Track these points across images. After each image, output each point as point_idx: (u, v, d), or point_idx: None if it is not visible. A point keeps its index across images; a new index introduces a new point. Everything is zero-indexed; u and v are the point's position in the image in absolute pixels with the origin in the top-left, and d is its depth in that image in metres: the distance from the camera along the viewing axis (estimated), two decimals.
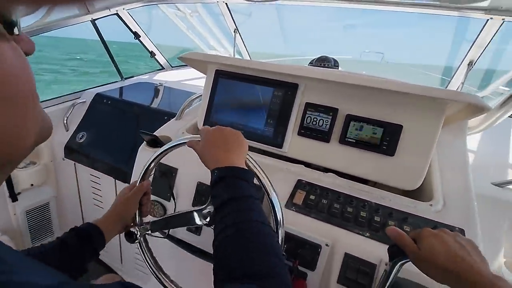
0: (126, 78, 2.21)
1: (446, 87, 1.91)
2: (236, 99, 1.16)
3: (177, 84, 2.20)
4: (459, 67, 1.71)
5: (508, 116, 1.72)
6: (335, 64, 1.62)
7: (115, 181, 1.60)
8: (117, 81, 2.14)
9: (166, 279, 0.81)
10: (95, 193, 1.73)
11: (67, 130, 1.75)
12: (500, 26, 1.37)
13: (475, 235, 0.77)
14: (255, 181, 0.66)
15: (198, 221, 0.76)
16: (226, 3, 1.90)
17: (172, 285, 0.79)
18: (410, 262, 0.57)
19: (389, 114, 0.94)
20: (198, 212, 0.77)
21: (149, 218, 0.86)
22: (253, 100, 1.12)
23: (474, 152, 1.31)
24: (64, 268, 0.66)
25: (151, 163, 0.82)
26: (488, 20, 1.37)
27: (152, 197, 1.06)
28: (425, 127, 0.91)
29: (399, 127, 0.93)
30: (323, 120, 1.02)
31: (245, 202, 0.56)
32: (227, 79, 1.17)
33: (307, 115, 1.04)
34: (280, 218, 0.65)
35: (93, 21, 1.78)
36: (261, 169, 0.69)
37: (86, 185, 1.77)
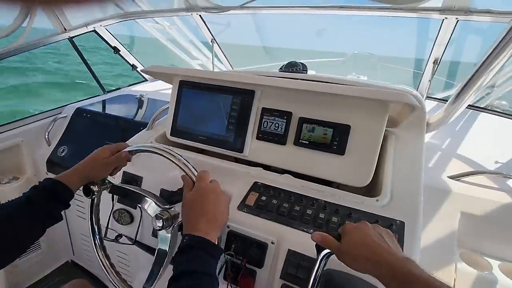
0: (108, 92, 2.27)
1: (419, 85, 1.96)
2: (199, 107, 1.20)
3: (158, 95, 2.26)
4: (426, 66, 1.76)
5: (467, 107, 1.77)
6: (303, 68, 1.67)
7: None
8: (99, 95, 2.20)
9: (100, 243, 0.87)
10: (79, 205, 1.77)
11: (49, 145, 1.81)
12: (456, 25, 1.42)
13: (415, 227, 0.81)
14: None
15: (150, 211, 0.81)
16: (200, 15, 1.96)
17: (101, 252, 0.86)
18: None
19: (337, 115, 0.99)
20: (157, 205, 0.82)
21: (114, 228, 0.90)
22: (214, 108, 1.17)
23: (433, 146, 1.35)
24: (34, 221, 0.70)
25: (147, 148, 0.87)
26: (443, 20, 1.42)
27: (118, 205, 1.11)
28: (371, 126, 0.95)
29: (347, 127, 0.97)
30: (278, 124, 1.07)
31: (202, 278, 0.60)
32: (190, 89, 1.22)
33: (263, 120, 1.09)
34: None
35: (70, 39, 1.85)
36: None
37: None
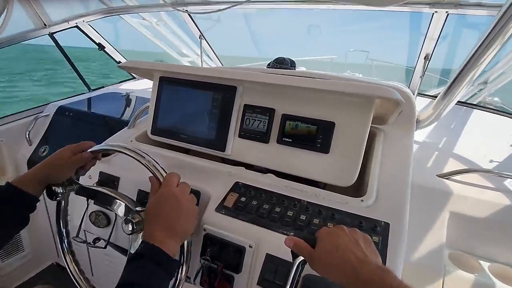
0: (94, 89, 2.21)
1: (410, 81, 1.92)
2: (180, 104, 1.16)
3: (148, 93, 2.20)
4: (417, 61, 1.72)
5: (457, 103, 1.74)
6: (291, 64, 1.63)
7: None
8: (84, 93, 2.14)
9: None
10: None
11: (30, 145, 1.75)
12: (446, 19, 1.38)
13: (400, 228, 0.77)
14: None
15: (122, 214, 0.76)
16: (186, 10, 1.91)
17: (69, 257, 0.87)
18: None
19: (322, 112, 0.95)
20: (128, 207, 0.77)
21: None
22: (195, 105, 1.12)
23: (426, 145, 1.32)
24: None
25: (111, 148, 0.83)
26: (433, 13, 1.38)
27: (95, 207, 1.06)
28: (356, 123, 0.91)
29: (332, 124, 0.93)
30: (261, 121, 1.02)
31: None
32: (171, 86, 1.17)
33: (246, 117, 1.04)
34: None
35: (51, 35, 1.78)
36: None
37: None
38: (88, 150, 0.83)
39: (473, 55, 0.89)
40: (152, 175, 0.72)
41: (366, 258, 0.51)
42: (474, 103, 1.87)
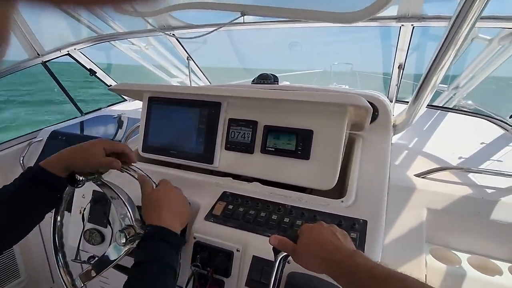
0: (86, 113, 2.27)
1: (389, 89, 2.03)
2: (168, 122, 1.22)
3: (137, 113, 2.26)
4: (392, 71, 1.83)
5: (433, 108, 1.84)
6: (274, 80, 1.72)
7: None
8: (76, 117, 2.20)
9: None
10: None
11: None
12: (412, 31, 1.50)
13: (377, 225, 0.82)
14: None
15: (115, 255, 0.80)
16: (173, 34, 2.01)
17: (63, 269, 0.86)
18: None
19: (300, 121, 1.02)
20: (129, 217, 0.82)
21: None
22: (183, 121, 1.19)
23: (404, 148, 1.39)
24: (30, 209, 0.72)
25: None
26: (400, 27, 1.50)
27: (89, 225, 1.09)
28: (332, 130, 0.98)
29: (310, 132, 1.00)
30: (245, 133, 1.09)
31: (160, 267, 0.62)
32: (159, 105, 1.24)
33: (231, 130, 1.11)
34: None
35: (44, 63, 1.86)
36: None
37: (47, 222, 1.78)
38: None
39: (433, 62, 0.98)
40: (142, 174, 0.79)
41: (341, 244, 0.57)
42: (450, 106, 1.97)
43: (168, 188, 0.77)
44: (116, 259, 0.78)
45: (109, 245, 0.85)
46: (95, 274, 0.79)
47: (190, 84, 2.40)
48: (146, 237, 0.66)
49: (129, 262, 0.97)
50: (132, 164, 0.85)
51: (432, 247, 1.03)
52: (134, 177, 0.81)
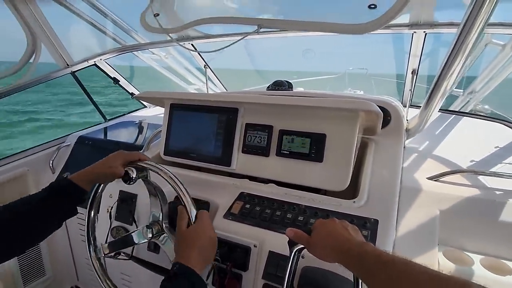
0: (109, 119, 2.40)
1: (402, 95, 2.04)
2: (188, 127, 1.30)
3: (158, 120, 2.37)
4: (406, 76, 1.85)
5: (444, 112, 1.84)
6: (289, 86, 1.78)
7: None
8: (100, 123, 2.33)
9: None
10: (82, 229, 1.83)
11: (54, 172, 1.90)
12: (425, 38, 1.52)
13: (388, 224, 0.86)
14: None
15: (140, 239, 0.88)
16: (192, 44, 2.11)
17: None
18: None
19: (314, 126, 1.07)
20: (136, 233, 0.89)
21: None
22: (203, 126, 1.26)
23: (420, 151, 1.41)
24: (50, 216, 0.79)
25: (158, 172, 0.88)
26: (413, 34, 1.53)
27: (116, 223, 1.17)
28: (345, 133, 1.03)
29: (323, 136, 1.05)
30: (261, 137, 1.15)
31: None
32: (180, 111, 1.32)
33: (248, 134, 1.17)
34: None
35: (73, 73, 2.00)
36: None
37: (73, 223, 1.89)
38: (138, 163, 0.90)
39: (443, 68, 1.01)
40: (182, 206, 0.82)
41: (352, 237, 0.62)
42: (466, 111, 1.96)
43: (202, 227, 0.80)
44: (138, 243, 0.90)
45: (135, 231, 0.91)
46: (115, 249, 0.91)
47: (207, 91, 2.50)
48: (171, 275, 0.70)
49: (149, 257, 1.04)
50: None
51: (445, 248, 1.04)
52: (161, 176, 0.87)
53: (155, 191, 0.91)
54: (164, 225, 0.89)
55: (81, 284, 2.08)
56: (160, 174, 0.84)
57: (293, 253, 0.68)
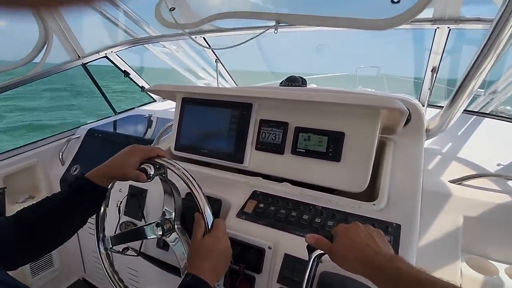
0: (119, 112, 2.39)
1: (420, 93, 1.97)
2: (201, 122, 1.26)
3: (167, 114, 2.35)
4: (425, 74, 1.78)
5: (468, 113, 1.76)
6: (303, 82, 1.72)
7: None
8: (110, 116, 2.31)
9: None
10: (90, 222, 1.82)
11: (63, 164, 1.89)
12: (448, 34, 1.45)
13: (411, 229, 0.81)
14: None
15: (150, 235, 0.85)
16: (203, 37, 2.07)
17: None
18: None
19: (332, 123, 1.02)
20: (148, 227, 0.86)
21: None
22: (215, 121, 1.22)
23: (440, 152, 1.35)
24: (73, 215, 0.79)
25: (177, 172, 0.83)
26: (436, 29, 1.46)
27: (125, 218, 1.15)
28: (364, 133, 0.98)
29: (342, 134, 1.00)
30: (276, 134, 1.11)
31: None
32: (192, 105, 1.28)
33: (262, 131, 1.13)
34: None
35: (84, 65, 1.98)
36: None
37: None
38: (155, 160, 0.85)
39: (472, 66, 0.95)
40: (200, 213, 0.78)
41: (380, 249, 0.57)
42: (487, 112, 1.89)
43: (218, 238, 0.77)
44: (147, 238, 0.88)
45: (146, 225, 0.89)
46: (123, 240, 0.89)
47: (218, 86, 2.46)
48: (184, 286, 0.68)
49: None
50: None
51: (468, 256, 0.99)
52: (175, 173, 0.83)
53: (170, 190, 0.87)
54: (176, 226, 0.86)
55: (88, 277, 2.08)
56: (179, 175, 0.80)
57: (312, 259, 0.64)
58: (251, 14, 1.33)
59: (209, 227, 0.77)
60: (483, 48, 0.88)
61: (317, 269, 0.66)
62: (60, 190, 0.87)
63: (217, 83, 2.43)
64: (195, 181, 0.79)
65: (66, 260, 2.02)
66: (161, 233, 0.85)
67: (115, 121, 2.26)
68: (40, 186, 1.88)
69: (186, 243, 0.85)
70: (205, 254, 0.74)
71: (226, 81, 2.68)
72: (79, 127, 2.08)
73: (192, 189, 0.77)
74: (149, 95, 2.63)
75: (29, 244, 0.72)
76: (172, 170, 0.81)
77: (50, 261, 1.98)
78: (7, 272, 0.60)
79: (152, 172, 0.81)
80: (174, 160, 0.83)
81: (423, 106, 1.76)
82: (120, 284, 0.87)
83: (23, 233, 0.71)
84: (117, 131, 2.12)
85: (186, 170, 0.80)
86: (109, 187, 0.85)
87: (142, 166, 0.81)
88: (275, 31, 1.29)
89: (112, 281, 0.88)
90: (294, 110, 1.09)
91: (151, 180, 0.83)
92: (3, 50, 1.76)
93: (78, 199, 0.78)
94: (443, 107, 2.13)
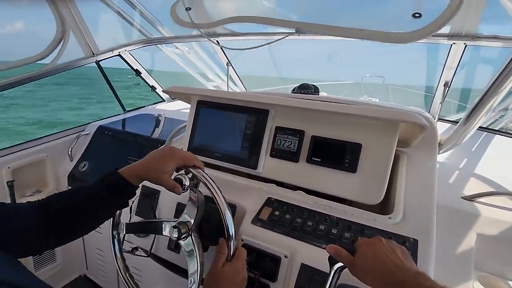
0: (128, 111, 2.39)
1: (430, 107, 1.98)
2: (215, 125, 1.26)
3: (175, 114, 2.36)
4: (437, 88, 1.79)
5: (479, 129, 1.77)
6: (315, 90, 1.73)
7: None
8: (119, 114, 2.32)
9: None
10: None
11: (71, 160, 1.90)
12: (464, 50, 1.46)
13: (428, 245, 0.81)
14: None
15: (166, 232, 0.85)
16: (217, 41, 2.09)
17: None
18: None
19: (349, 134, 1.02)
20: (166, 223, 0.86)
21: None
22: (230, 126, 1.23)
23: (449, 167, 1.35)
24: (103, 209, 0.79)
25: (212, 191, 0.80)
26: (452, 45, 1.47)
27: (136, 218, 1.15)
28: (382, 145, 0.98)
29: (359, 146, 1.00)
30: (291, 142, 1.11)
31: None
32: (208, 108, 1.29)
33: (277, 138, 1.13)
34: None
35: (97, 62, 1.99)
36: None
37: None
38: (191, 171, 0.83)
39: (492, 84, 0.96)
40: (224, 239, 0.78)
41: (403, 264, 0.57)
42: (496, 128, 1.89)
43: (237, 269, 0.76)
44: (161, 234, 0.87)
45: (165, 221, 0.88)
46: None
47: (228, 89, 2.47)
48: None
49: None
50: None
51: (480, 273, 0.99)
52: (211, 192, 0.80)
53: (197, 201, 0.86)
54: (193, 236, 0.85)
55: (89, 274, 2.07)
56: (214, 196, 0.78)
57: (333, 272, 0.64)
58: (271, 20, 1.34)
59: (231, 254, 0.77)
60: (506, 67, 0.89)
61: (337, 283, 0.66)
62: (68, 186, 0.85)
63: (227, 86, 2.44)
64: (227, 206, 0.77)
65: (69, 255, 2.01)
66: (176, 235, 0.84)
67: (124, 119, 2.27)
68: (48, 181, 1.88)
69: (200, 256, 0.83)
70: (222, 283, 0.73)
71: (236, 84, 2.69)
72: (89, 123, 2.09)
73: (224, 213, 0.76)
74: (158, 94, 2.64)
75: (51, 233, 0.70)
76: (208, 188, 0.79)
77: (53, 256, 1.97)
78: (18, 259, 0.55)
79: (187, 184, 0.80)
80: (210, 176, 0.81)
81: (434, 119, 1.76)
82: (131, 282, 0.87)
83: (48, 221, 0.69)
84: (125, 129, 2.13)
85: (220, 192, 0.78)
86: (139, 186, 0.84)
87: (177, 176, 0.80)
88: (297, 34, 1.29)
89: (126, 283, 0.88)
90: (310, 118, 1.09)
91: (184, 192, 0.81)
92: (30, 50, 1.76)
93: (110, 196, 0.77)
94: (452, 121, 2.13)
